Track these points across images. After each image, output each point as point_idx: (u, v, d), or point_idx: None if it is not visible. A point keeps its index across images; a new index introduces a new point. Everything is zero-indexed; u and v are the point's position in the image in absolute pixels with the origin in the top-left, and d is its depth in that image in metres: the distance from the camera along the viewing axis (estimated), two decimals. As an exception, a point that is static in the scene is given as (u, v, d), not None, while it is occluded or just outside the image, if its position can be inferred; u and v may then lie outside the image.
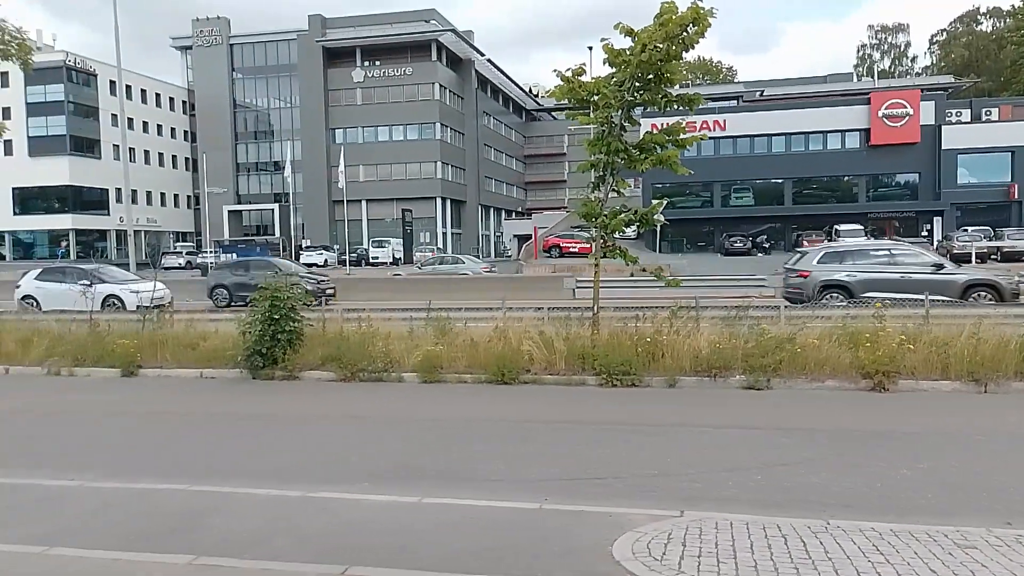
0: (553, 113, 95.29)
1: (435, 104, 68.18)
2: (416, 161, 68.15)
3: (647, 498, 6.21)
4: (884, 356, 10.49)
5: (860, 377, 10.62)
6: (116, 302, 21.83)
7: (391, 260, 53.23)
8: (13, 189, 68.55)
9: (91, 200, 70.31)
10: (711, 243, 53.01)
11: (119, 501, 6.45)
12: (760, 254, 47.99)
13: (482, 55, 75.95)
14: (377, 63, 68.84)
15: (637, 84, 12.11)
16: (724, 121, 52.95)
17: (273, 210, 70.78)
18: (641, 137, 12.71)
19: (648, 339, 11.64)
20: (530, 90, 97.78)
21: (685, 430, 8.85)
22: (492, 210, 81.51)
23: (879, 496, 6.23)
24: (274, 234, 68.07)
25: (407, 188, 67.46)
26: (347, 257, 51.91)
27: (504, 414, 9.95)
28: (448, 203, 70.64)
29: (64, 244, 68.43)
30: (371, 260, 54.53)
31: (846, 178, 53.62)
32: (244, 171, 75.66)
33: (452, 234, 71.48)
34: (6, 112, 64.01)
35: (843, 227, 44.26)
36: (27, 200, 69.63)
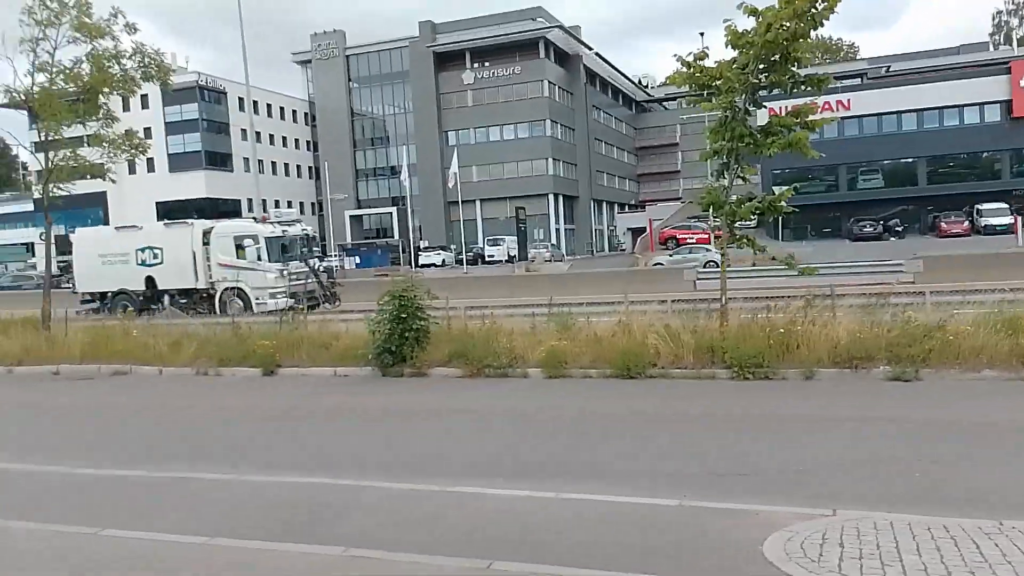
0: (664, 104, 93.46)
1: (544, 101, 68.27)
2: (527, 159, 68.47)
3: (793, 496, 5.92)
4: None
5: (1022, 366, 9.79)
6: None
7: (506, 258, 53.67)
8: (157, 203, 73.58)
9: (225, 211, 74.44)
10: (837, 229, 50.54)
11: (269, 493, 6.75)
12: (892, 238, 45.34)
13: (589, 49, 75.45)
14: (486, 64, 69.60)
15: (762, 66, 11.64)
16: (848, 100, 50.37)
17: (391, 213, 72.80)
18: (764, 121, 12.22)
19: (781, 330, 11.16)
20: (639, 81, 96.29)
21: (828, 424, 8.41)
22: (604, 204, 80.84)
23: (1057, 495, 5.70)
24: (393, 236, 70.01)
25: (519, 186, 67.87)
26: (463, 256, 52.77)
27: (633, 409, 9.79)
28: (560, 199, 70.59)
29: (202, 253, 72.86)
30: (487, 259, 55.18)
31: (986, 154, 49.89)
32: (363, 177, 78.25)
33: (565, 230, 71.40)
34: (147, 131, 68.85)
35: (986, 206, 41.21)
36: (169, 213, 74.50)
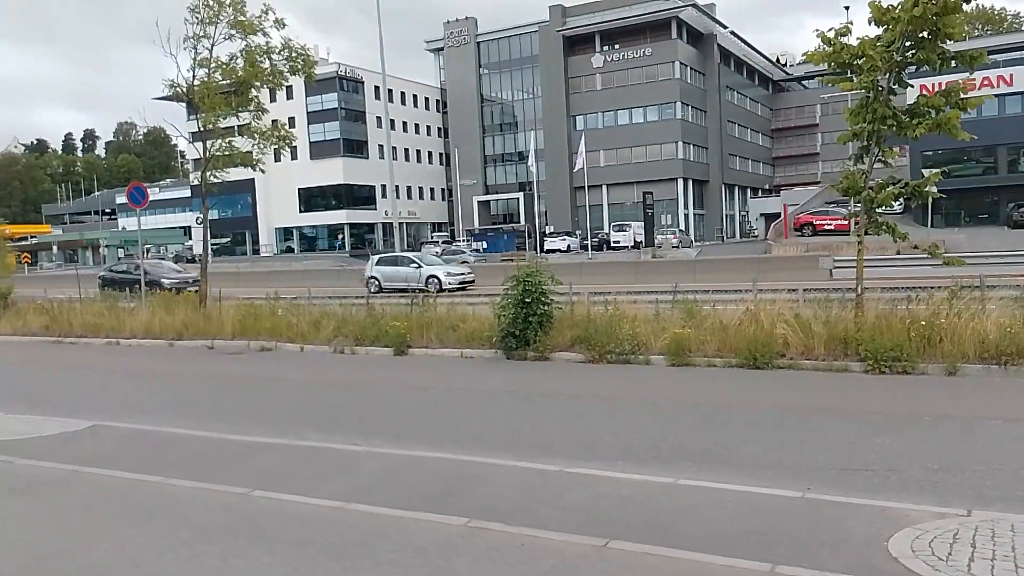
0: (804, 82, 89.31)
1: (675, 83, 66.85)
2: (656, 143, 67.36)
3: (927, 494, 5.70)
4: None
5: None
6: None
7: (632, 244, 53.10)
8: (299, 190, 77.78)
9: (361, 196, 77.86)
10: (995, 215, 46.79)
11: (398, 466, 7.15)
12: (1058, 226, 41.53)
13: (724, 28, 73.08)
14: (616, 46, 68.86)
15: (908, 44, 10.99)
16: (1011, 76, 46.31)
17: (518, 198, 73.65)
18: (911, 101, 11.54)
19: (923, 322, 10.58)
20: (777, 59, 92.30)
21: (969, 422, 7.96)
22: (737, 188, 78.36)
23: None
24: (519, 222, 70.88)
25: (647, 170, 66.92)
26: (588, 242, 52.64)
27: (758, 399, 9.61)
28: (690, 184, 69.05)
29: (340, 237, 76.53)
30: (612, 244, 54.80)
31: None
32: (491, 162, 79.51)
33: (694, 215, 69.84)
34: (291, 121, 72.71)
35: None
36: (310, 199, 78.74)
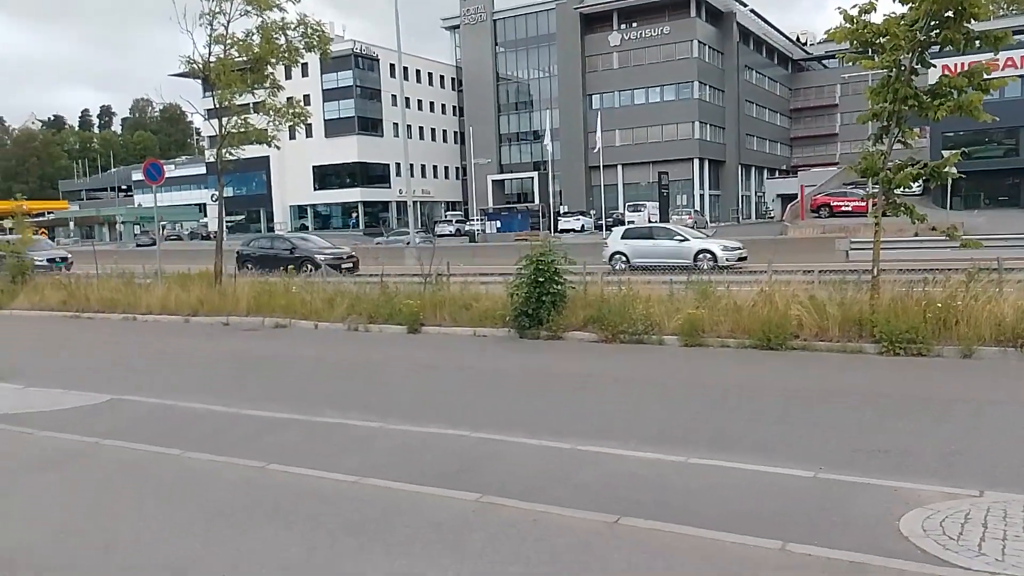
0: (824, 62, 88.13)
1: (693, 62, 66.22)
2: (673, 122, 66.88)
3: (939, 476, 5.70)
4: None
5: None
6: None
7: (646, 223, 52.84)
8: (313, 167, 77.85)
9: (375, 175, 77.86)
10: (1015, 197, 46.21)
11: (413, 443, 7.22)
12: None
13: (744, 6, 72.19)
14: (633, 25, 68.21)
15: (932, 23, 10.82)
16: (1035, 56, 45.45)
17: (533, 178, 73.49)
18: (934, 81, 11.37)
19: (939, 304, 10.52)
20: (797, 38, 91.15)
21: (984, 404, 7.94)
22: (753, 169, 77.79)
23: None
24: (534, 201, 70.72)
25: (663, 150, 66.51)
26: (603, 222, 52.51)
27: (771, 380, 9.61)
28: (706, 164, 68.61)
29: (354, 215, 76.66)
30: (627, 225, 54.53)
31: None
32: (506, 141, 79.23)
33: (710, 196, 69.43)
34: (306, 99, 72.54)
35: None
36: (324, 177, 78.84)
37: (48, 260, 27.18)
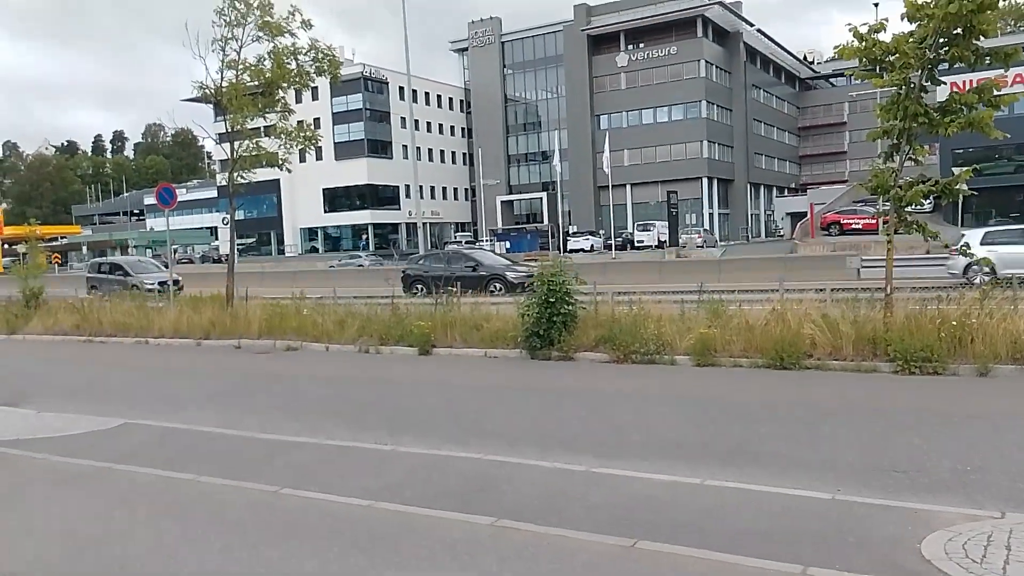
0: (831, 80, 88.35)
1: (701, 82, 66.48)
2: (681, 142, 67.02)
3: (958, 496, 5.62)
4: None
5: None
6: None
7: (656, 243, 52.87)
8: (323, 190, 78.32)
9: (385, 196, 78.27)
10: (1027, 213, 45.93)
11: (426, 465, 7.18)
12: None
13: (751, 25, 72.51)
14: (641, 45, 68.61)
15: (941, 40, 10.84)
16: (1045, 72, 45.36)
17: (542, 198, 73.66)
18: (943, 98, 11.37)
19: (954, 322, 10.44)
20: (804, 56, 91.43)
21: (1002, 423, 7.85)
22: (763, 188, 77.74)
23: None
24: (543, 221, 70.84)
25: (672, 170, 66.61)
26: (612, 241, 52.51)
27: (786, 399, 9.54)
28: (715, 183, 68.63)
29: (364, 237, 76.95)
30: (636, 244, 54.56)
31: None
32: (515, 162, 79.57)
33: (719, 215, 69.37)
34: (316, 122, 73.19)
35: None
36: (334, 199, 79.31)
37: (160, 283, 25.52)
